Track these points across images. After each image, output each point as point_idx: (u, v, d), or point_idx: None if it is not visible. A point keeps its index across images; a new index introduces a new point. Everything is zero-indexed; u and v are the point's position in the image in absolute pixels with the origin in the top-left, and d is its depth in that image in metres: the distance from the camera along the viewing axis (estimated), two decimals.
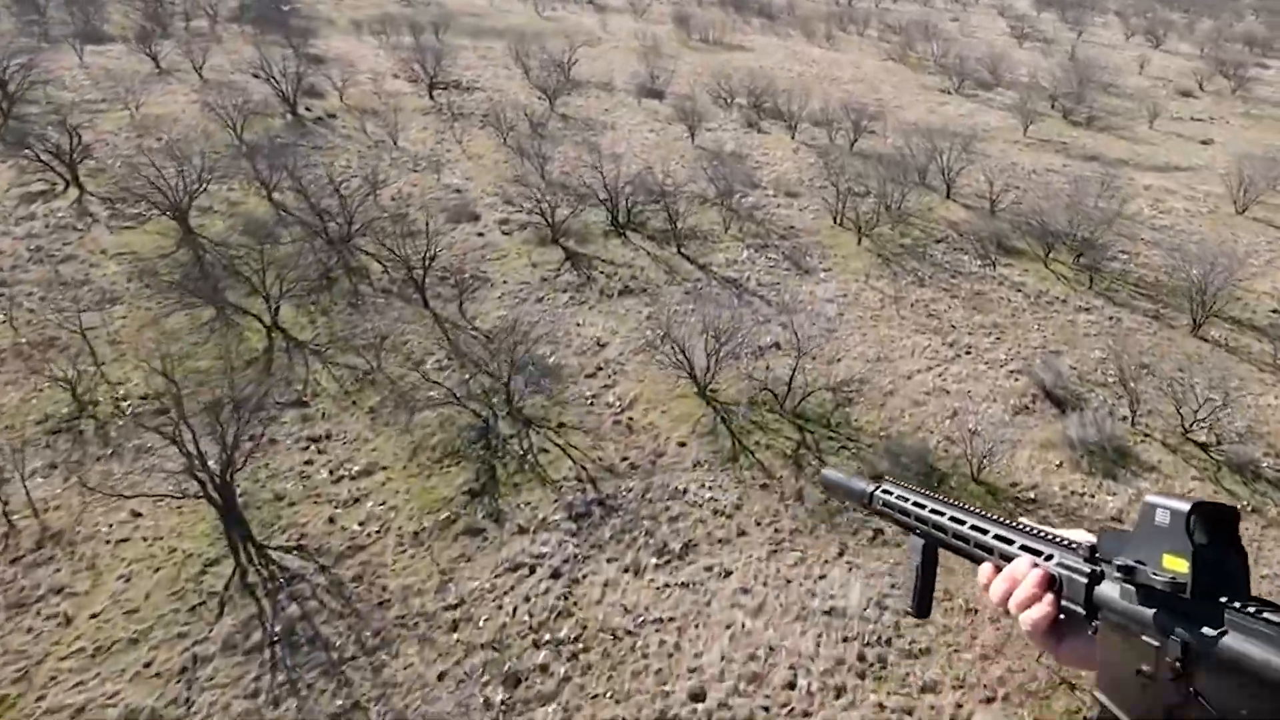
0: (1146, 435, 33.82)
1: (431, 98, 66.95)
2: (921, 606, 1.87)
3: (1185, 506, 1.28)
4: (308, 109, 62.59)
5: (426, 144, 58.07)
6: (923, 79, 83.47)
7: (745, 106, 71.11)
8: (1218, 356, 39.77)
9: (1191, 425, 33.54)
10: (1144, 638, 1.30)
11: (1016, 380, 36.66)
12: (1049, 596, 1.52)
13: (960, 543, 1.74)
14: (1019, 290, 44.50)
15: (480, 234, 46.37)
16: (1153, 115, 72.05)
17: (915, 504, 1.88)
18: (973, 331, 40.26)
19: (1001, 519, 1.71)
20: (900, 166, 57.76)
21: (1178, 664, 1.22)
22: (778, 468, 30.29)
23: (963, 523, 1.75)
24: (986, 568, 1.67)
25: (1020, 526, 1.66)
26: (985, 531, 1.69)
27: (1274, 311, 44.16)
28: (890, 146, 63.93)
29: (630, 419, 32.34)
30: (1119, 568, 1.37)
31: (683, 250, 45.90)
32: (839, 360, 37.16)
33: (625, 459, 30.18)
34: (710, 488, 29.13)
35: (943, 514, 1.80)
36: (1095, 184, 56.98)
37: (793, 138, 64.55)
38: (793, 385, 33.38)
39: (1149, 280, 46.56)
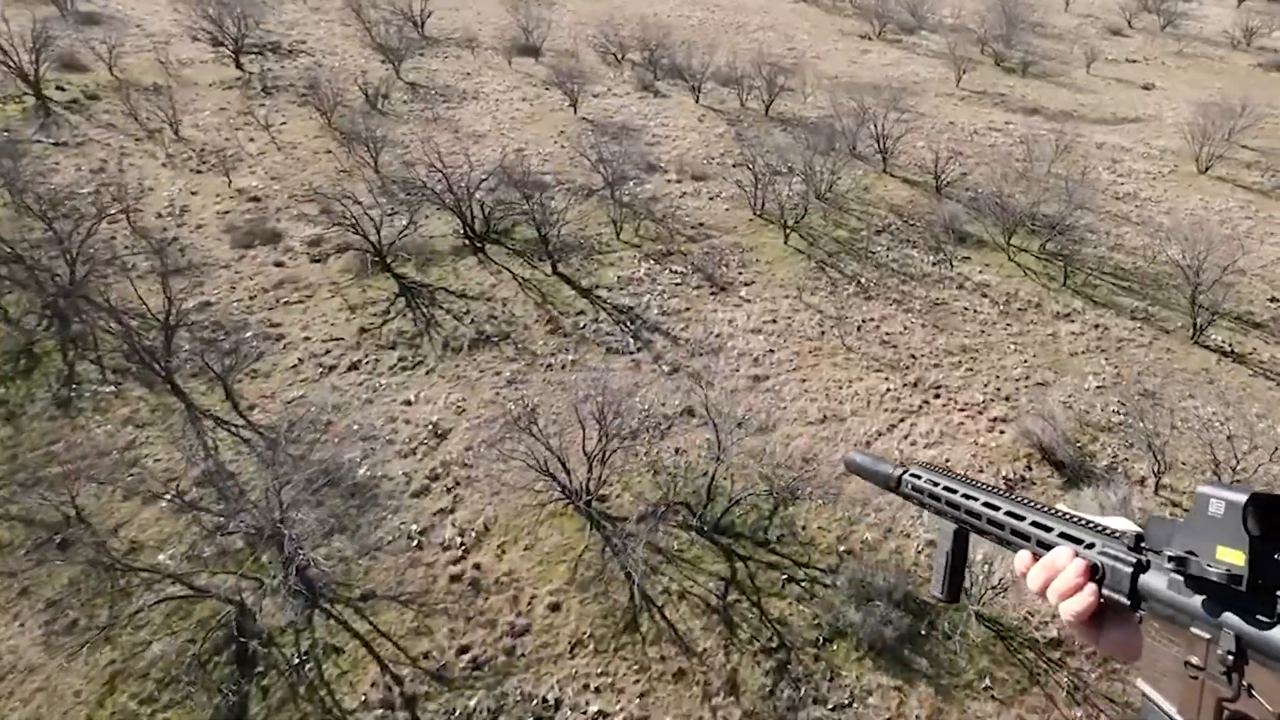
0: (1175, 505, 25.61)
1: (239, 66, 52.08)
2: (951, 591, 1.82)
3: (1242, 498, 1.26)
4: (60, 88, 46.93)
5: (221, 132, 43.93)
6: (840, 23, 73.41)
7: (639, 64, 59.30)
8: (1228, 371, 32.15)
9: (1231, 483, 25.33)
10: (1193, 629, 1.28)
11: (1002, 433, 27.78)
12: (1091, 586, 1.47)
13: (995, 529, 1.69)
14: (984, 295, 35.65)
15: (279, 263, 33.68)
16: (1090, 59, 64.65)
17: (946, 488, 1.82)
18: (939, 362, 31.10)
19: (1037, 504, 1.65)
20: (826, 134, 47.89)
21: (1230, 656, 1.20)
22: (698, 635, 20.30)
23: (997, 509, 1.70)
24: (1024, 555, 1.62)
25: (1058, 513, 1.62)
26: (1022, 518, 1.64)
27: (1272, 300, 37.02)
28: (812, 108, 53.82)
29: (477, 569, 21.54)
30: (1170, 558, 1.33)
31: (560, 269, 34.69)
32: (773, 428, 27.29)
33: (466, 650, 19.49)
34: (598, 690, 18.88)
35: (976, 499, 1.75)
36: (1047, 145, 48.81)
37: (697, 101, 53.48)
38: (714, 486, 23.31)
39: (1128, 269, 38.61)
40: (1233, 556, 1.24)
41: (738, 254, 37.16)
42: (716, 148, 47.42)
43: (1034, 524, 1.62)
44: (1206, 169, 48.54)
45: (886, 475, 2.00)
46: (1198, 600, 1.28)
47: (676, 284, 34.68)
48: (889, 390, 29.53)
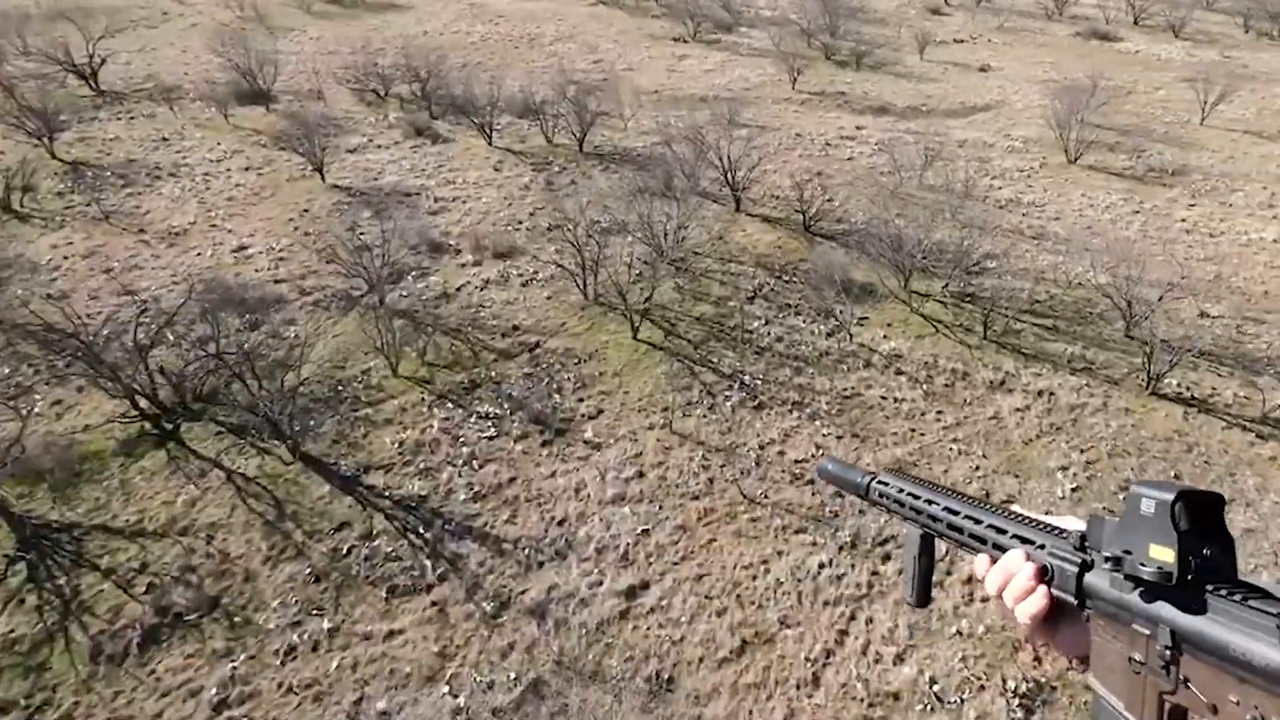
0: None
1: None
2: (920, 596, 1.87)
3: (1170, 495, 1.30)
4: None
5: None
6: (648, 26, 66.32)
7: (409, 101, 48.37)
8: (1199, 427, 26.84)
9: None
10: (1134, 626, 1.33)
11: (985, 601, 20.13)
12: (1042, 588, 1.52)
13: (955, 533, 1.73)
14: (899, 372, 28.48)
15: None
16: (922, 44, 61.75)
17: (910, 494, 1.87)
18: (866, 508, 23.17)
19: (995, 508, 1.70)
20: (660, 171, 39.72)
21: (1167, 650, 1.26)
22: None
23: (957, 513, 1.74)
24: (983, 558, 1.66)
25: (1013, 515, 1.66)
26: (979, 521, 1.69)
27: (1203, 316, 32.87)
28: (636, 136, 45.51)
29: None
30: (1107, 557, 1.39)
31: (306, 449, 23.40)
32: (669, 687, 17.87)
33: None
34: None
35: (937, 504, 1.80)
36: (910, 151, 43.60)
37: (490, 143, 43.49)
38: None
39: (1044, 301, 33.14)
40: (1163, 554, 1.29)
41: (573, 368, 27.61)
42: (523, 206, 37.70)
43: (990, 527, 1.66)
44: (1076, 159, 45.41)
45: (856, 483, 2.03)
46: (1135, 597, 1.33)
47: (490, 437, 24.51)
48: (823, 565, 21.09)
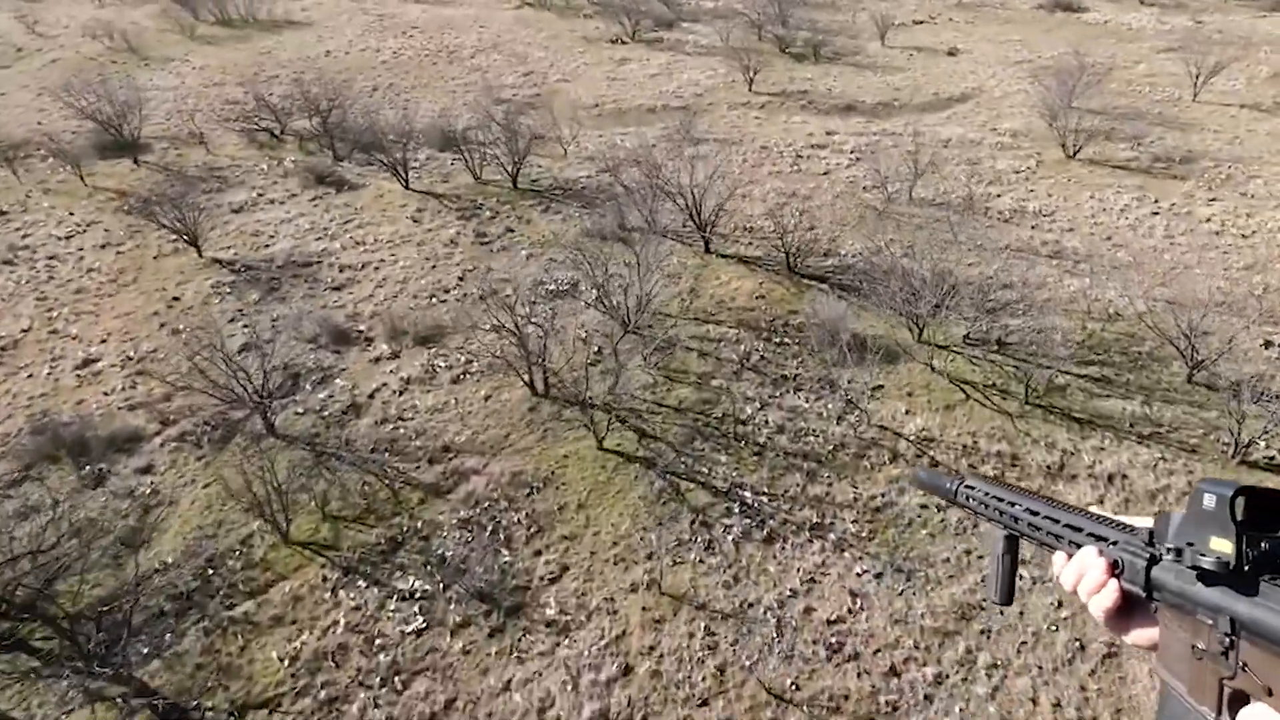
0: None
1: None
2: (1005, 594, 1.91)
3: (1229, 490, 1.34)
4: None
5: None
6: (581, 28, 59.18)
7: (309, 138, 40.78)
8: None
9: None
10: (1197, 615, 1.37)
11: None
12: (1113, 582, 1.56)
13: (1035, 532, 1.80)
14: (934, 463, 22.57)
15: None
16: (882, 29, 55.89)
17: (995, 497, 1.94)
18: (940, 669, 17.24)
19: (1071, 508, 1.74)
20: (610, 209, 33.22)
21: (1226, 638, 1.30)
22: None
23: (1036, 513, 1.80)
24: (1060, 555, 1.72)
25: (1088, 514, 1.70)
26: (1056, 520, 1.75)
27: (1267, 346, 27.65)
28: (579, 163, 38.74)
29: None
30: (1170, 549, 1.44)
31: (153, 692, 16.46)
32: None
33: None
34: None
35: (1019, 505, 1.85)
36: (891, 159, 37.76)
37: (407, 185, 36.28)
38: None
39: (1085, 344, 27.52)
40: (1222, 545, 1.33)
41: (524, 503, 21.05)
42: (449, 268, 30.79)
43: (1066, 525, 1.71)
44: (1075, 153, 40.06)
45: (946, 489, 2.10)
46: (1198, 588, 1.36)
47: (418, 632, 17.87)
48: None
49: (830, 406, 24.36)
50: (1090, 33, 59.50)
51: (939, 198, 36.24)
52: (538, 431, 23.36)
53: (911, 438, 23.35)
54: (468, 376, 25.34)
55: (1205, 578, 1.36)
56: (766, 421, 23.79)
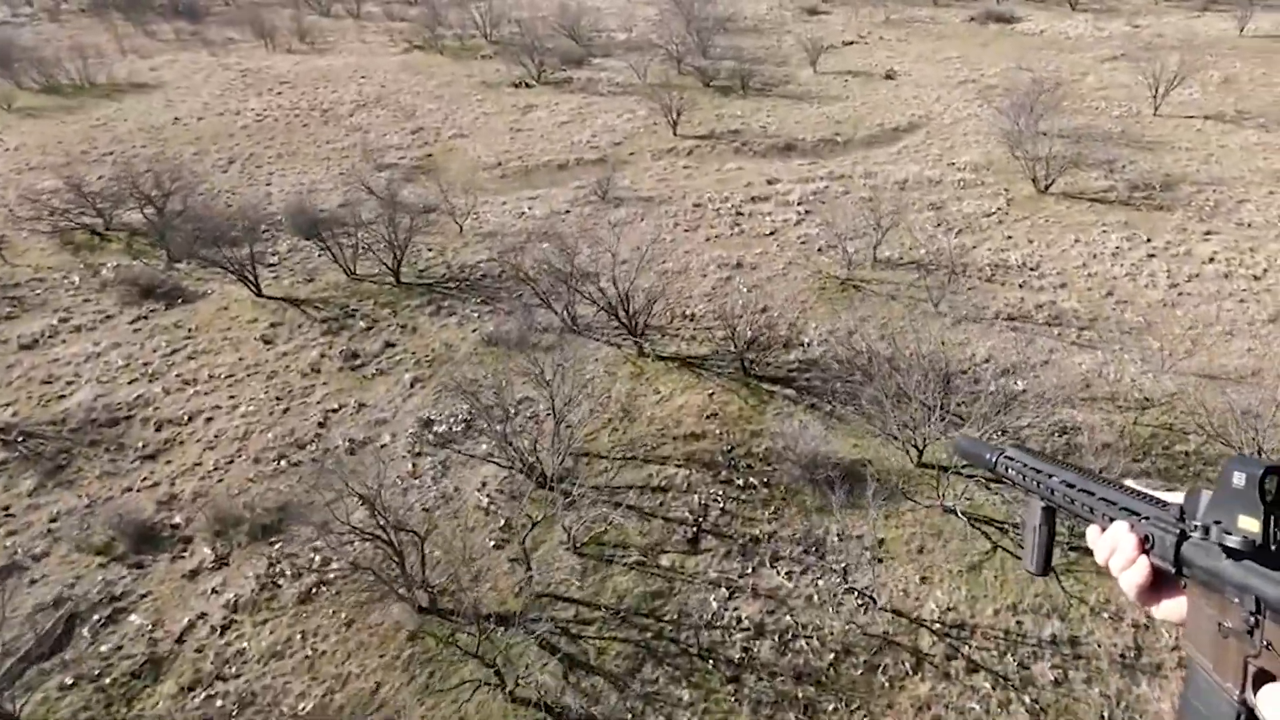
0: None
1: None
2: (1041, 564, 1.90)
3: (1259, 470, 1.33)
4: None
5: None
6: (478, 71, 52.60)
7: (140, 234, 32.96)
8: None
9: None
10: (1224, 593, 1.37)
11: None
12: (1144, 558, 1.56)
13: (1071, 505, 1.80)
14: (974, 667, 16.56)
15: None
16: (813, 54, 51.02)
17: (1033, 469, 1.93)
18: None
19: (1108, 481, 1.73)
20: (517, 308, 26.79)
21: (1251, 616, 1.30)
22: None
23: (1073, 486, 1.80)
24: (1093, 529, 1.71)
25: (1123, 488, 1.69)
26: (1091, 494, 1.74)
27: None
28: (478, 244, 32.04)
29: None
30: (1198, 526, 1.43)
31: None
32: None
33: None
34: None
35: (1056, 477, 1.85)
36: (846, 211, 32.34)
37: (259, 293, 28.92)
38: None
39: (1125, 450, 22.09)
40: (1250, 524, 1.32)
41: None
42: (308, 411, 23.61)
43: (1100, 499, 1.70)
44: (1047, 187, 35.37)
45: (986, 459, 2.10)
46: (1226, 565, 1.36)
47: None
48: None
49: (822, 584, 18.14)
50: (1028, 44, 56.02)
51: (906, 255, 30.84)
52: (421, 675, 16.44)
53: (936, 625, 17.27)
54: (323, 590, 18.24)
55: (1232, 556, 1.35)
56: (739, 620, 17.40)
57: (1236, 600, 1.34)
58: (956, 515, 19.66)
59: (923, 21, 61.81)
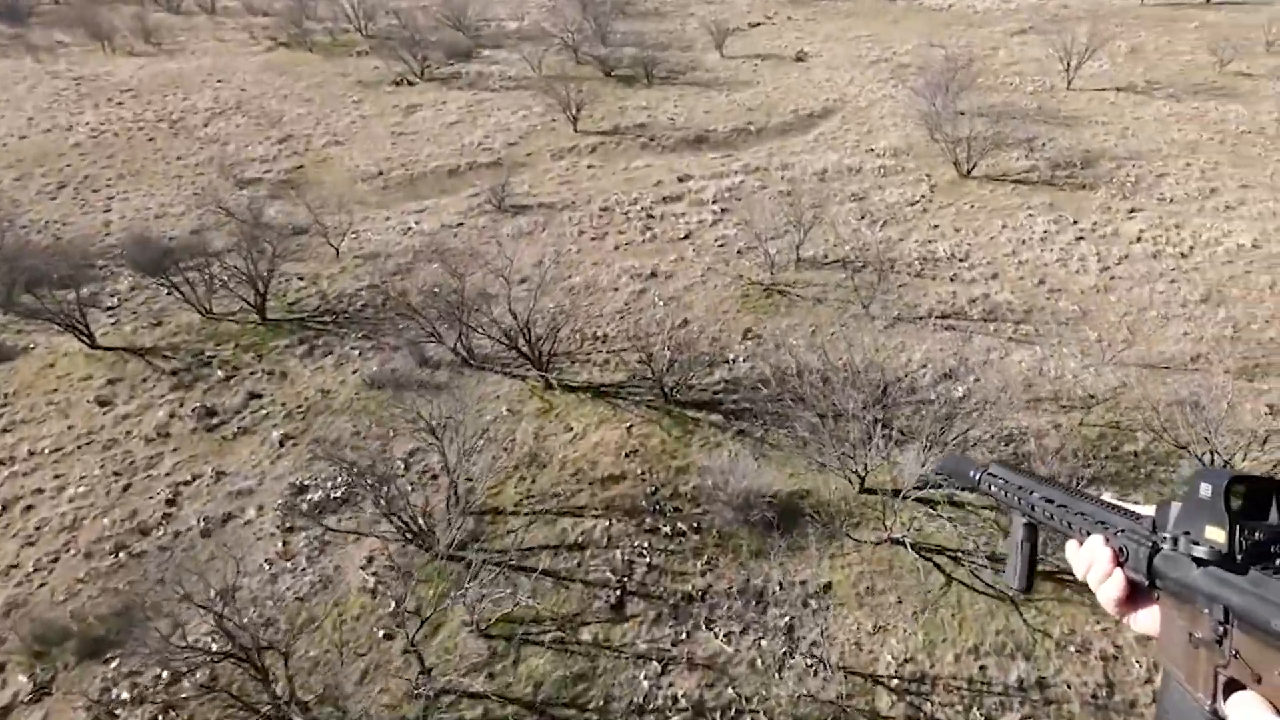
0: None
1: None
2: (1024, 581, 1.94)
3: (1224, 480, 1.39)
4: None
5: None
6: (354, 69, 49.30)
7: None
8: None
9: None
10: (1194, 603, 1.42)
11: None
12: (1119, 571, 1.60)
13: (1050, 520, 1.84)
14: None
15: None
16: (719, 38, 49.97)
17: (1015, 485, 1.98)
18: None
19: (1084, 496, 1.78)
20: (403, 336, 24.46)
21: (1220, 626, 1.35)
22: None
23: (1051, 501, 1.85)
24: (1071, 543, 1.76)
25: (1099, 502, 1.74)
26: (1067, 508, 1.80)
27: (1272, 412, 22.81)
28: (357, 268, 29.40)
29: None
30: (1168, 538, 1.49)
31: None
32: None
33: None
34: None
35: (1036, 493, 1.90)
36: (764, 207, 31.30)
37: (93, 344, 25.49)
38: None
39: (1079, 456, 21.54)
40: (1216, 534, 1.38)
41: None
42: (154, 487, 20.69)
43: (1076, 513, 1.75)
44: (970, 170, 35.22)
45: (969, 476, 2.14)
46: (1194, 576, 1.41)
47: None
48: None
49: (766, 645, 16.70)
50: (937, 20, 56.64)
51: (831, 253, 29.94)
52: None
53: (894, 681, 16.07)
54: (173, 717, 15.62)
55: (1200, 566, 1.40)
56: (675, 700, 15.76)
57: (1206, 610, 1.38)
58: (906, 548, 18.58)
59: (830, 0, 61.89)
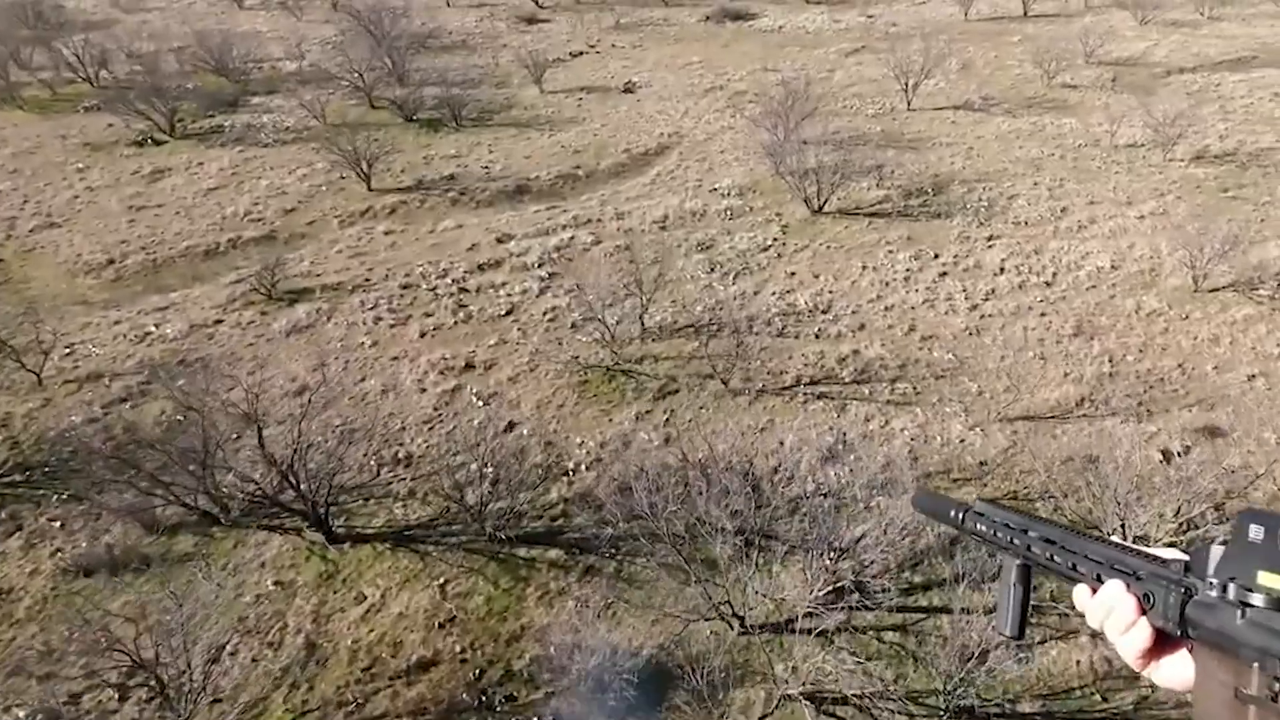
0: None
1: None
2: (1016, 627, 1.93)
3: (1277, 521, 1.36)
4: None
5: None
6: (79, 129, 42.73)
7: None
8: None
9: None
10: (1240, 656, 1.36)
11: None
12: (1144, 620, 1.57)
13: (1052, 563, 1.81)
14: None
15: None
16: (537, 71, 47.59)
17: (1006, 524, 1.95)
18: None
19: (1093, 536, 1.76)
20: (127, 487, 19.53)
21: (1276, 682, 1.29)
22: None
23: (1053, 542, 1.82)
24: (1082, 588, 1.72)
25: (1112, 544, 1.72)
26: (1076, 551, 1.76)
27: (1215, 436, 22.25)
28: (74, 393, 23.91)
29: None
30: (1212, 584, 1.44)
31: None
32: None
33: None
34: None
35: (1034, 533, 1.88)
36: (592, 267, 28.68)
37: None
38: None
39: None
40: (1273, 580, 1.33)
41: None
42: None
43: (1087, 557, 1.72)
44: (822, 205, 34.32)
45: (950, 515, 2.09)
46: (1243, 625, 1.36)
47: None
48: None
49: None
50: (770, 42, 57.32)
51: (681, 317, 27.67)
52: None
53: None
54: None
55: (1254, 615, 1.35)
56: None
57: (1256, 664, 1.32)
58: (803, 704, 15.87)
59: (656, 24, 61.49)
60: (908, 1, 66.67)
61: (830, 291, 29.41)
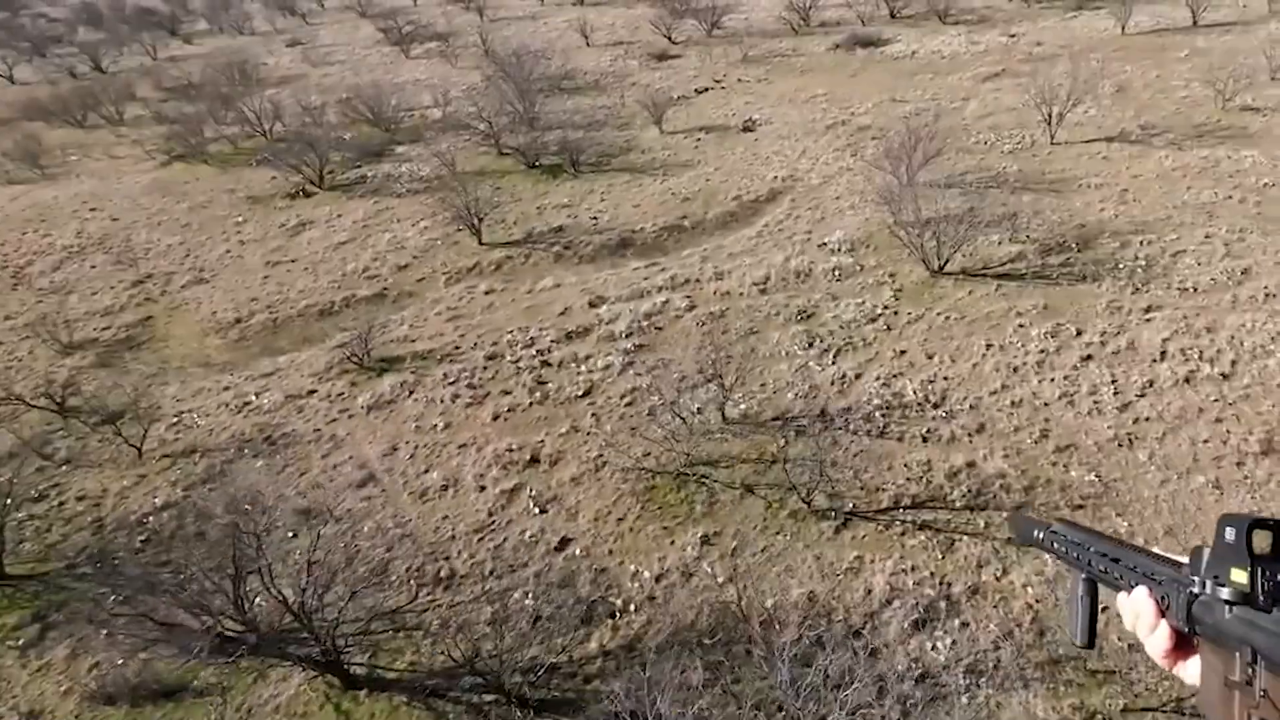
0: None
1: None
2: (1086, 636, 1.87)
3: (1246, 523, 1.37)
4: None
5: None
6: (245, 183, 42.14)
7: None
8: None
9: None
10: (1227, 646, 1.40)
11: None
12: (1164, 622, 1.57)
13: (1103, 575, 1.78)
14: None
15: None
16: (657, 111, 42.68)
17: (1074, 543, 1.91)
18: None
19: (1138, 548, 1.72)
20: (165, 625, 16.58)
21: (1249, 667, 1.32)
22: None
23: (1105, 555, 1.79)
24: (1121, 595, 1.70)
25: (1145, 552, 1.69)
26: (1120, 562, 1.74)
27: None
28: (163, 470, 21.88)
29: None
30: (1201, 583, 1.47)
31: None
32: None
33: None
34: None
35: (1093, 548, 1.84)
36: (692, 338, 23.56)
37: None
38: None
39: None
40: (1240, 576, 1.37)
41: None
42: None
43: (1125, 566, 1.71)
44: (943, 265, 27.34)
45: (1035, 536, 2.04)
46: (1226, 619, 1.40)
47: None
48: None
49: None
50: (901, 70, 49.10)
51: (768, 405, 22.13)
52: None
53: None
54: None
55: (1233, 609, 1.39)
56: None
57: (1238, 653, 1.36)
58: None
59: (784, 55, 54.48)
60: (1056, 16, 55.62)
61: (945, 378, 22.80)
